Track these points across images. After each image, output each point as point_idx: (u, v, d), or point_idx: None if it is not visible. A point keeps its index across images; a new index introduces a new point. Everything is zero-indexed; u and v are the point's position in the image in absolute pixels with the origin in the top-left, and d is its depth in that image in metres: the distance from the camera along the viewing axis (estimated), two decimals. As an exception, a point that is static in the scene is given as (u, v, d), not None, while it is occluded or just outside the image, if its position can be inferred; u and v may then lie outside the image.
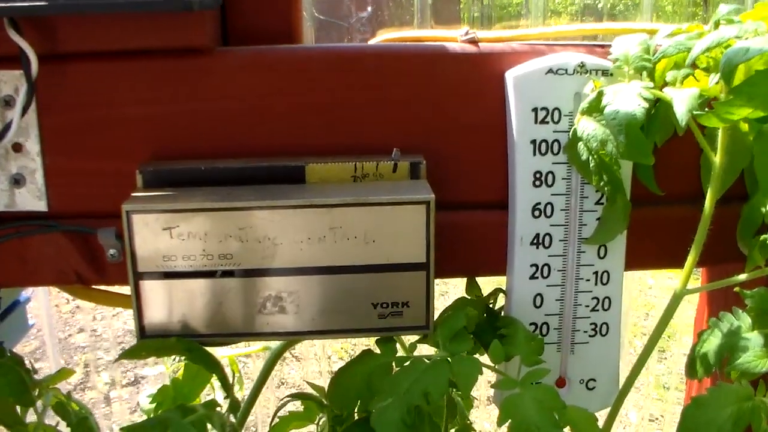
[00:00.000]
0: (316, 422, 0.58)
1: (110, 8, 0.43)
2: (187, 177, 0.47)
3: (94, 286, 0.55)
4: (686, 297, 0.47)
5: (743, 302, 0.46)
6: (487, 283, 0.54)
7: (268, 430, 0.58)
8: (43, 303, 1.82)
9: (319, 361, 2.36)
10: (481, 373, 0.42)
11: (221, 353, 0.64)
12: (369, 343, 0.49)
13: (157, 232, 0.44)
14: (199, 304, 0.45)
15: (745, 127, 0.45)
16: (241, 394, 0.65)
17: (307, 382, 0.58)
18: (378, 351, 0.47)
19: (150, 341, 0.46)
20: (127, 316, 2.45)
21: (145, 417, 0.59)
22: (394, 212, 0.44)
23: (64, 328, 2.70)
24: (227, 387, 0.45)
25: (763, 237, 0.46)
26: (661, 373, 2.31)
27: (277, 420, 0.59)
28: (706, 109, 0.42)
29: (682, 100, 0.41)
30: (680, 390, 2.05)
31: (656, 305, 2.72)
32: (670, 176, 0.50)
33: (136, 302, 0.45)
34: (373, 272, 0.45)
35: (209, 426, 0.43)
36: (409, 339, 0.51)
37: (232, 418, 0.44)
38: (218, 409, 0.44)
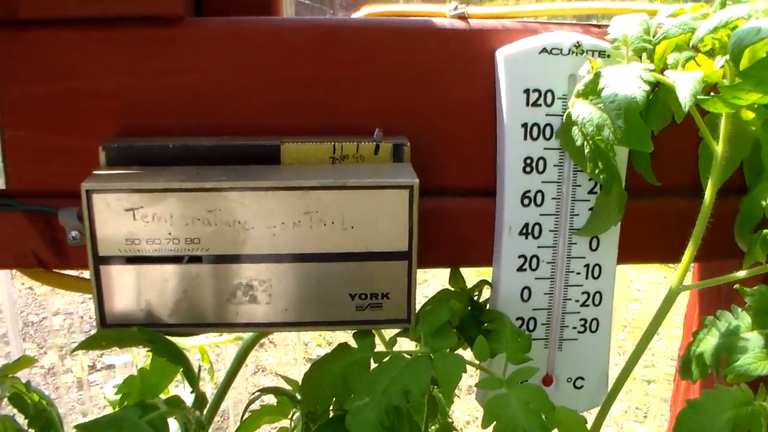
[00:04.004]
0: (289, 417, 0.55)
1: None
2: (154, 155, 0.44)
3: (55, 270, 0.52)
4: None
5: (738, 299, 0.43)
6: (471, 275, 0.52)
7: (239, 426, 0.55)
8: (4, 285, 1.77)
9: (294, 347, 2.34)
10: (465, 372, 0.39)
11: (192, 343, 0.61)
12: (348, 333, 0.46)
13: (120, 214, 0.41)
14: (164, 291, 0.43)
15: (747, 115, 0.43)
16: (213, 384, 0.62)
17: (281, 376, 0.56)
18: (355, 345, 0.44)
19: (110, 331, 0.43)
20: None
21: (110, 408, 0.56)
22: (375, 197, 0.41)
23: (38, 311, 2.66)
24: (192, 381, 0.42)
25: (765, 232, 0.44)
26: (643, 365, 2.31)
27: (249, 414, 0.56)
28: (712, 93, 0.39)
29: (685, 84, 0.39)
30: (667, 381, 2.06)
31: (639, 299, 2.73)
32: (667, 166, 0.48)
33: (96, 289, 0.43)
34: (350, 261, 0.42)
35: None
36: (390, 332, 0.48)
37: (198, 414, 0.41)
38: (184, 403, 0.41)
